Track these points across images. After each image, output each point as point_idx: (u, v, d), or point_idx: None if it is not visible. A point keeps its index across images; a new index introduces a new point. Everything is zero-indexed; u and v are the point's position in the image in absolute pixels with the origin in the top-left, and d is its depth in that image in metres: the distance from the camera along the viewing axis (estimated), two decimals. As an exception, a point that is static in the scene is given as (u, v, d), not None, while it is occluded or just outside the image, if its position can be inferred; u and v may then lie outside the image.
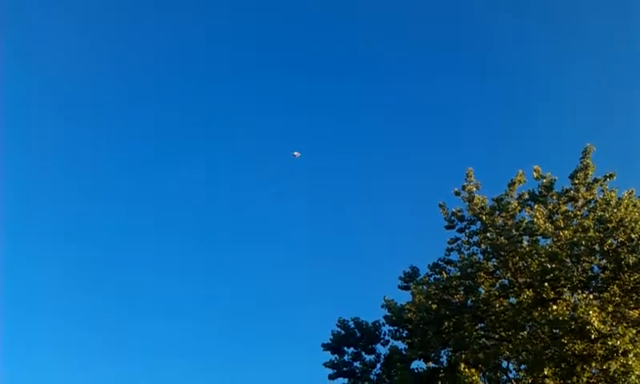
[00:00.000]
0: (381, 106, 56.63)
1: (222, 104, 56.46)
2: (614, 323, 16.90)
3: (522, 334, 18.62)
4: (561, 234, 18.82)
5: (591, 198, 19.88)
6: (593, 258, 17.96)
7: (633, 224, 17.68)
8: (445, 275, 20.06)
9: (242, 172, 55.99)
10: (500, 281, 19.77)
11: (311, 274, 50.92)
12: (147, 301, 50.09)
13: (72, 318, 46.45)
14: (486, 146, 51.32)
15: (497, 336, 19.35)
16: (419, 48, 55.71)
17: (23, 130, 49.82)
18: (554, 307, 16.97)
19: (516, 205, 19.81)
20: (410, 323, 20.04)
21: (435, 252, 21.41)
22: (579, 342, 16.81)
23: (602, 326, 16.03)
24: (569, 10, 50.31)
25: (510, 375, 19.57)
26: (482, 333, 19.53)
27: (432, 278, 20.47)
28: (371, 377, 20.24)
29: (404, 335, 20.56)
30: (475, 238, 20.09)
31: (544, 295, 17.70)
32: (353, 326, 21.04)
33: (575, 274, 17.58)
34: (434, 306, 19.24)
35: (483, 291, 19.60)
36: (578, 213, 19.74)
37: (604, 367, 16.82)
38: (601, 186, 19.96)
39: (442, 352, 19.86)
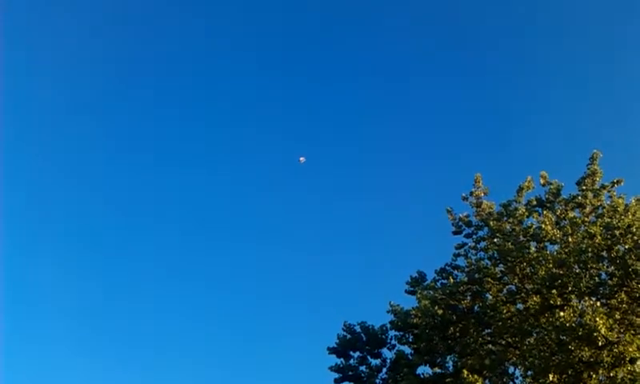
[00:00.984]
0: (390, 110, 56.89)
1: (223, 104, 56.80)
2: (622, 330, 16.86)
3: (528, 340, 18.56)
4: (568, 240, 18.78)
5: (599, 204, 19.84)
6: (600, 264, 17.86)
7: (640, 231, 17.61)
8: (452, 280, 20.02)
9: (246, 172, 56.23)
10: (507, 287, 19.72)
11: (317, 278, 51.06)
12: (148, 301, 50.32)
13: (72, 318, 46.76)
14: (494, 152, 51.36)
15: (503, 342, 19.30)
16: (430, 52, 55.98)
17: (23, 129, 50.25)
18: (561, 314, 16.91)
19: (524, 211, 19.79)
20: (416, 328, 20.01)
21: (442, 257, 21.41)
22: (586, 348, 16.73)
23: (610, 333, 15.96)
24: (577, 13, 50.32)
25: (517, 381, 19.51)
26: (489, 338, 19.49)
27: (439, 283, 20.43)
28: (377, 381, 20.14)
29: (410, 340, 20.53)
30: (482, 244, 20.09)
31: (551, 301, 17.63)
32: (359, 330, 20.97)
33: (583, 280, 17.50)
34: (440, 312, 19.22)
35: (490, 297, 19.57)
36: (586, 219, 19.69)
37: (611, 374, 16.73)
38: (608, 192, 19.92)
39: (448, 357, 19.81)
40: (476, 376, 17.33)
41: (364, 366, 20.53)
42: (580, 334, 16.19)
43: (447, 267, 20.65)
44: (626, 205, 19.20)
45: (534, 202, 20.21)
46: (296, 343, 46.28)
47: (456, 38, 55.45)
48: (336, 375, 20.45)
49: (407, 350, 20.28)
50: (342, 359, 20.74)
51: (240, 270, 53.73)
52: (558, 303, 17.64)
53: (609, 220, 18.37)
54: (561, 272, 17.67)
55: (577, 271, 17.75)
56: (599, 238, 17.75)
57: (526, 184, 20.39)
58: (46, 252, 51.02)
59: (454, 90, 56.24)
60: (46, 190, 52.72)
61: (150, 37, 55.62)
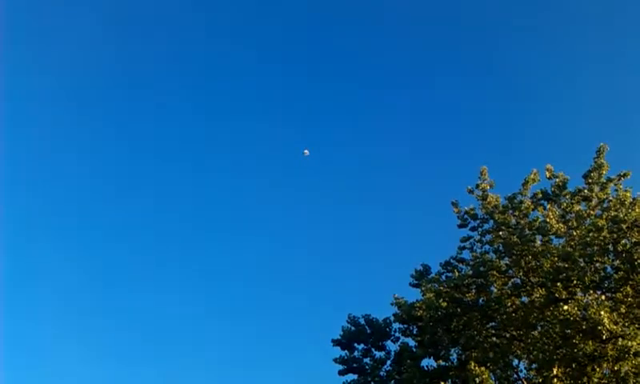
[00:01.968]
0: (395, 105, 56.77)
1: (225, 103, 56.75)
2: (626, 324, 16.79)
3: (533, 333, 18.57)
4: (574, 233, 18.72)
5: (605, 197, 19.72)
6: (606, 258, 17.80)
7: (647, 224, 17.53)
8: (457, 273, 20.03)
9: (249, 171, 56.25)
10: (512, 280, 19.72)
11: (323, 270, 51.13)
12: (148, 301, 50.44)
13: (72, 317, 47.00)
14: (500, 145, 51.19)
15: (508, 335, 19.30)
16: (434, 48, 55.82)
17: (23, 129, 50.46)
18: (566, 307, 16.86)
19: (529, 204, 19.73)
20: (420, 321, 20.02)
21: (447, 250, 21.43)
22: (590, 342, 16.72)
23: (614, 327, 15.93)
24: (583, 6, 49.96)
25: (521, 374, 19.51)
26: (493, 331, 19.49)
27: (444, 276, 20.44)
28: (381, 373, 20.22)
29: (414, 333, 20.56)
30: (488, 237, 20.07)
31: (556, 295, 17.60)
32: (363, 322, 21.05)
33: (588, 274, 17.45)
34: (444, 304, 19.21)
35: (495, 290, 19.57)
36: (592, 212, 19.61)
37: (615, 368, 16.72)
38: (615, 185, 19.81)
39: (452, 350, 19.82)
40: (482, 368, 17.35)
41: (368, 358, 20.61)
42: (584, 327, 16.20)
43: (452, 260, 20.64)
44: (633, 198, 19.10)
45: (540, 195, 20.14)
46: (301, 335, 46.55)
47: (463, 35, 55.44)
48: (340, 367, 20.53)
49: (411, 342, 20.34)
50: (346, 351, 20.83)
51: (244, 264, 53.88)
52: (563, 297, 17.61)
53: (615, 213, 18.30)
54: (566, 265, 17.63)
55: (582, 265, 17.69)
56: (605, 231, 17.67)
57: (532, 177, 20.31)
58: (46, 252, 51.56)
59: (461, 85, 56.10)
60: (47, 188, 53.07)
61: (151, 34, 55.62)
